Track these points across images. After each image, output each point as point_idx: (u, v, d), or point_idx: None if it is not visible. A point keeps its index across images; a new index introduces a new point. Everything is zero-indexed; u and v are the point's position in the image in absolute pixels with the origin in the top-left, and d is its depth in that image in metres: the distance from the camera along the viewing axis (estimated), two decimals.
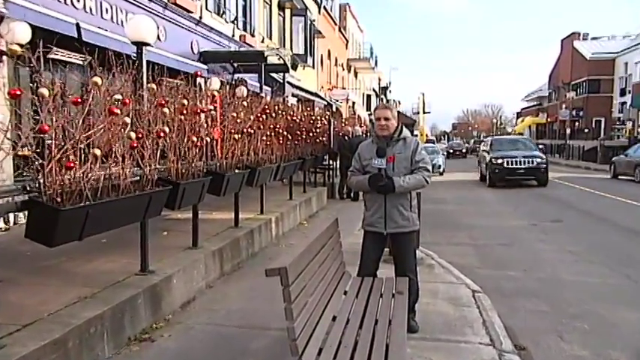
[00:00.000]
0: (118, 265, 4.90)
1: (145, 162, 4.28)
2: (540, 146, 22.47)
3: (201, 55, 13.04)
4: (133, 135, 3.99)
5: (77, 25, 7.56)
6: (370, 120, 35.41)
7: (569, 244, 8.31)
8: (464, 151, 48.21)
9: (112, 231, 4.08)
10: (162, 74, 4.86)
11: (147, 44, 4.61)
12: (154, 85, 4.59)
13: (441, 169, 23.49)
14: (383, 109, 4.17)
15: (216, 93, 5.89)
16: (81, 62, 6.33)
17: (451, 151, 47.01)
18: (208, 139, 5.59)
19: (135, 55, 4.54)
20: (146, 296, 4.25)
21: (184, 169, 5.01)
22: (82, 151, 3.48)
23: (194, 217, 5.67)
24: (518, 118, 69.70)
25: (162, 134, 4.44)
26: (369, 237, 4.20)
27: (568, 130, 38.91)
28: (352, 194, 12.96)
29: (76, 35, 7.37)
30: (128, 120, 3.94)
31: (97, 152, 3.54)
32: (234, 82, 9.92)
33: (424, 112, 50.83)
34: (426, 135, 43.51)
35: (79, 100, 3.48)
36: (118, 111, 3.75)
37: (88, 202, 3.47)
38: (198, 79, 5.86)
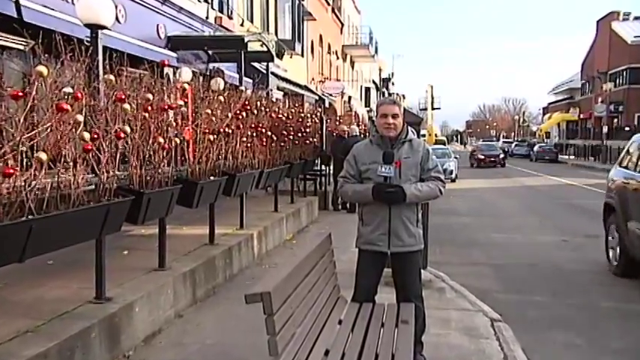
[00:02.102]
0: (68, 291, 4.87)
1: (102, 168, 4.27)
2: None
3: (169, 40, 13.05)
4: (86, 136, 3.97)
5: (16, 2, 7.53)
6: (370, 118, 35.59)
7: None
8: (501, 156, 38.25)
9: (60, 250, 4.05)
10: (122, 63, 4.85)
11: (103, 27, 4.62)
12: (112, 77, 4.58)
13: (453, 175, 23.64)
14: (390, 105, 4.18)
15: (187, 86, 5.88)
16: (22, 47, 6.32)
17: (481, 156, 37.50)
18: (178, 141, 5.58)
19: (88, 39, 4.55)
20: (102, 329, 4.22)
21: (149, 176, 4.99)
22: (24, 155, 3.46)
23: (161, 233, 5.66)
24: (544, 114, 70.38)
25: (122, 135, 4.43)
26: (367, 257, 4.20)
27: (605, 129, 39.18)
28: (348, 205, 12.98)
29: (15, 14, 7.35)
30: (81, 118, 3.92)
31: (43, 156, 3.53)
32: (208, 73, 9.92)
33: (433, 108, 51.16)
34: (435, 135, 43.63)
35: (20, 93, 3.46)
36: (69, 107, 3.73)
37: (31, 216, 3.45)
38: (166, 70, 5.86)
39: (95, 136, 4.16)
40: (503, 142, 72.87)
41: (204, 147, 6.24)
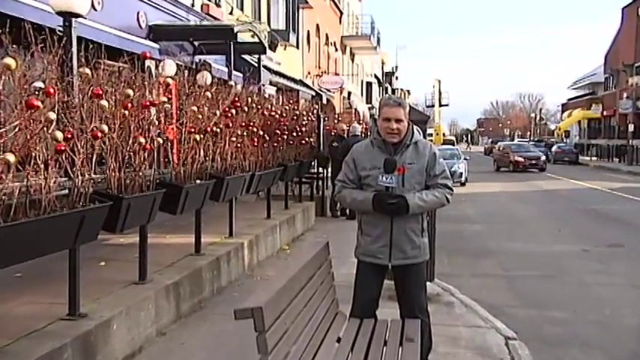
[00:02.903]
0: (39, 307, 4.85)
1: (76, 170, 4.27)
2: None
3: (150, 30, 13.06)
4: (59, 135, 3.97)
5: None
6: (372, 116, 35.63)
7: (633, 277, 8.38)
8: (542, 159, 33.73)
9: (30, 262, 4.04)
10: (99, 55, 4.87)
11: (77, 15, 4.62)
12: (87, 70, 4.58)
13: (462, 179, 23.61)
14: (394, 107, 4.11)
15: (170, 80, 5.90)
16: None
17: (519, 158, 33.00)
18: (161, 141, 5.59)
19: (61, 29, 4.55)
20: (75, 348, 4.21)
21: (129, 180, 5.00)
22: None
23: (142, 242, 5.65)
24: (563, 111, 70.50)
25: (99, 134, 4.44)
26: (367, 269, 4.20)
27: (631, 127, 39.21)
28: (348, 211, 12.98)
29: None
30: (53, 115, 3.92)
31: (11, 158, 3.52)
32: (194, 67, 9.92)
33: (440, 105, 51.21)
34: (444, 134, 43.64)
35: None
36: (39, 103, 3.73)
37: None
38: (148, 63, 5.86)
39: (69, 135, 4.16)
40: (519, 141, 72.92)
41: (189, 147, 6.25)
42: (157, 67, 6.18)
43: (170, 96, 5.92)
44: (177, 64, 6.42)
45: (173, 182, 5.91)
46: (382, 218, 4.08)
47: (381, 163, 4.06)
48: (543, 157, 34.11)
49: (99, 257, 6.55)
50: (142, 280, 5.67)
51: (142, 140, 5.08)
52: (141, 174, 5.14)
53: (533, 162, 32.97)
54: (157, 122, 5.53)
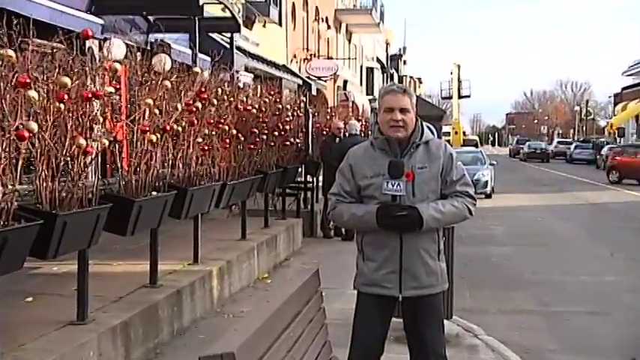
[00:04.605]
0: None
1: None
2: None
3: (92, 1, 13.05)
4: None
5: None
6: (373, 110, 35.65)
7: None
8: None
9: None
10: (26, 33, 4.86)
11: None
12: (11, 52, 4.57)
13: (488, 189, 23.59)
14: (398, 95, 4.15)
15: (118, 66, 5.89)
16: None
17: None
18: (107, 142, 5.58)
19: None
20: None
21: (65, 192, 4.97)
22: None
23: (81, 272, 5.62)
24: (616, 104, 70.87)
25: (26, 134, 4.42)
26: (370, 303, 4.19)
27: None
28: (344, 229, 12.98)
29: None
30: None
31: None
32: (149, 48, 9.90)
33: (460, 96, 51.38)
34: (464, 133, 43.74)
35: None
36: None
37: None
38: (89, 43, 5.86)
39: None
40: (559, 142, 73.23)
41: (143, 151, 6.23)
42: (100, 48, 6.16)
43: (118, 85, 5.91)
44: (127, 45, 6.42)
45: (122, 195, 5.89)
46: (389, 236, 4.08)
47: (384, 169, 4.06)
48: None
49: (25, 291, 6.49)
50: (82, 320, 5.61)
51: (83, 142, 5.05)
52: (81, 184, 5.11)
53: None
54: (101, 119, 5.51)
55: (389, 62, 60.94)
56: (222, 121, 8.12)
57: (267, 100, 10.80)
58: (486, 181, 23.38)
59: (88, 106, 5.26)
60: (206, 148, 7.68)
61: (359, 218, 4.14)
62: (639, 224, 16.95)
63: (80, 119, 5.17)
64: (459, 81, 52.18)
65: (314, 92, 25.45)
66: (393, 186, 4.03)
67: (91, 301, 5.74)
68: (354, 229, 4.47)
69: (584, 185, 30.60)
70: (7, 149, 4.35)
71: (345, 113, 18.84)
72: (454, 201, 4.13)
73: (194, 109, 7.17)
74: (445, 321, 4.72)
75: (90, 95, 5.25)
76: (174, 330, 6.82)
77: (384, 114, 4.15)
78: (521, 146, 69.89)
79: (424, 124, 4.26)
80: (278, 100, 11.68)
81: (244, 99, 9.50)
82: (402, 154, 4.12)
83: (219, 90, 8.36)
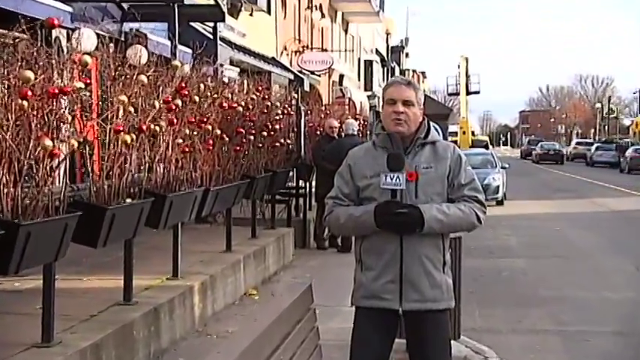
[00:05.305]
0: None
1: None
2: None
3: None
4: None
5: None
6: (372, 108, 35.75)
7: None
8: None
9: None
10: None
11: None
12: None
13: (499, 195, 23.56)
14: (402, 86, 4.20)
15: (89, 59, 5.88)
16: None
17: None
18: (76, 144, 5.56)
19: None
20: None
21: (29, 199, 4.95)
22: None
23: (47, 288, 5.60)
24: None
25: None
26: (369, 319, 4.19)
27: None
28: (340, 240, 12.97)
29: None
30: None
31: None
32: (123, 39, 9.89)
33: (468, 92, 51.44)
34: (473, 133, 43.81)
35: None
36: None
37: None
38: (56, 33, 5.85)
39: None
40: (577, 143, 73.35)
41: (116, 153, 6.22)
42: (69, 39, 6.15)
43: (89, 80, 5.90)
44: (98, 35, 6.40)
45: (93, 202, 5.88)
46: (388, 240, 4.09)
47: (385, 167, 4.07)
48: None
49: None
50: (47, 342, 5.58)
51: (49, 143, 5.03)
52: (46, 190, 5.09)
53: None
54: (69, 117, 5.49)
55: (389, 55, 61.07)
56: (205, 120, 8.12)
57: (254, 96, 10.83)
58: (497, 187, 23.30)
59: (54, 103, 5.24)
60: (187, 149, 7.67)
61: (356, 219, 4.14)
62: None
63: (46, 118, 5.15)
64: (467, 75, 52.23)
65: (306, 88, 25.50)
66: (392, 179, 4.03)
67: (58, 320, 5.71)
68: (352, 234, 4.47)
69: (606, 191, 30.64)
70: None
71: (341, 111, 18.89)
72: (461, 205, 4.14)
73: (173, 106, 7.15)
74: (452, 341, 4.70)
75: (57, 91, 5.23)
76: (150, 352, 6.79)
77: (386, 107, 4.21)
78: (533, 147, 70.08)
79: (431, 124, 4.28)
80: (267, 96, 11.70)
81: (229, 96, 9.52)
82: (406, 153, 4.14)
83: (202, 86, 8.37)
